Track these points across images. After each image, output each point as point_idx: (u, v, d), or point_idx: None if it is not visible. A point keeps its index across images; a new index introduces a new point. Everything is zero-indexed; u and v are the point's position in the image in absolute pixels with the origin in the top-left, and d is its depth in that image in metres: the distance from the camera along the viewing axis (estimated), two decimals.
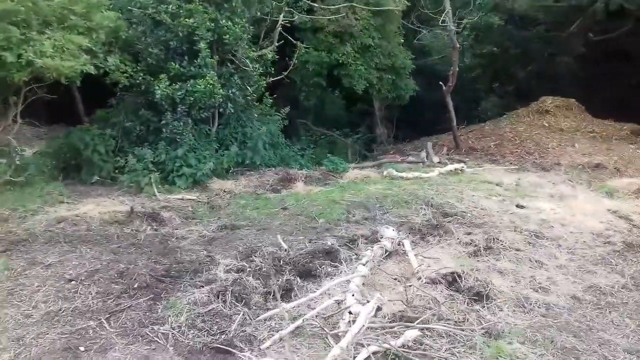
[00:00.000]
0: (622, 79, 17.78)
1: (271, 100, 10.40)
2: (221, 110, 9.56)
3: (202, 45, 8.75)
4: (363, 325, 3.77)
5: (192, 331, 4.17)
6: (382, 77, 14.11)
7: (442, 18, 12.48)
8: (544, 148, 13.91)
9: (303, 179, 9.04)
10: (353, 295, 4.47)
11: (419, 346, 4.06)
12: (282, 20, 11.25)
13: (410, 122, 20.46)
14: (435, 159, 11.97)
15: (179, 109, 8.95)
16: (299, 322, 4.19)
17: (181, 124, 8.93)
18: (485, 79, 22.80)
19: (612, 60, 18.18)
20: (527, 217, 7.55)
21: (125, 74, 8.81)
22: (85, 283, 5.00)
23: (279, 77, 10.65)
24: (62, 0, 7.82)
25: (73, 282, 5.03)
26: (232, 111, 9.50)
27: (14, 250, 5.83)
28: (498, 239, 6.49)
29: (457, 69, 13.87)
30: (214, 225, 6.88)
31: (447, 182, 9.36)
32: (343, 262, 5.60)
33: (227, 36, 9.03)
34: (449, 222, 7.11)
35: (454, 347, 4.13)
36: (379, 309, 4.13)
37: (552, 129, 16.17)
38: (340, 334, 4.02)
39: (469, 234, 6.74)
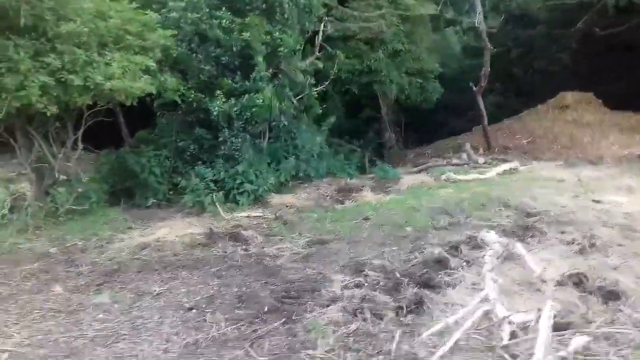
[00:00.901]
0: (626, 72, 17.82)
1: (321, 111, 10.20)
2: (274, 123, 9.36)
3: (259, 59, 8.57)
4: (548, 335, 3.57)
5: (349, 353, 3.93)
6: (411, 82, 14.03)
7: (478, 19, 12.39)
8: (579, 143, 13.88)
9: (368, 188, 8.85)
10: (503, 305, 4.28)
11: (588, 352, 3.88)
12: (316, 30, 11.14)
13: (417, 126, 20.37)
14: (481, 160, 11.85)
15: (235, 125, 8.73)
16: (457, 335, 3.98)
17: (239, 139, 8.71)
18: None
19: (615, 54, 18.20)
20: (609, 211, 7.41)
21: (178, 92, 8.59)
22: (207, 310, 4.76)
23: (322, 87, 10.48)
24: (117, 20, 7.63)
25: (194, 310, 4.79)
26: (286, 124, 9.31)
27: (111, 282, 5.59)
28: (596, 236, 6.34)
29: (489, 70, 13.80)
30: (302, 242, 6.65)
31: (509, 181, 9.24)
32: (460, 269, 5.42)
33: (282, 48, 8.86)
34: (535, 222, 6.95)
35: (620, 350, 3.96)
36: (555, 317, 3.93)
37: (578, 123, 16.13)
38: (510, 346, 3.84)
39: (563, 232, 6.58)
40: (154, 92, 7.75)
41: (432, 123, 20.58)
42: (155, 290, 5.25)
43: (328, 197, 8.90)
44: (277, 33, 8.91)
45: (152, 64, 7.48)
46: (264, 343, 4.17)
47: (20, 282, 5.69)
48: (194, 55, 8.96)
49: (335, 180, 9.99)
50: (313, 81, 10.04)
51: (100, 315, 4.77)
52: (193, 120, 9.22)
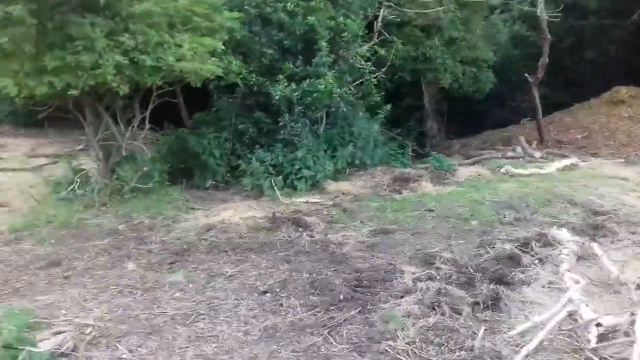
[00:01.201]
0: None
1: (379, 98, 10.10)
2: (332, 109, 9.31)
3: (322, 44, 8.51)
4: None
5: (430, 347, 3.91)
6: (465, 71, 13.74)
7: (539, 8, 12.03)
8: (637, 140, 13.41)
9: (427, 178, 8.76)
10: (587, 306, 4.18)
11: None
12: (376, 15, 10.99)
13: (459, 116, 19.97)
14: (537, 154, 11.58)
15: (295, 109, 8.72)
16: (542, 335, 3.91)
17: (299, 125, 8.70)
18: (533, 70, 22.26)
19: None
20: None
21: (240, 75, 8.60)
22: (282, 295, 4.80)
23: (379, 74, 10.34)
24: (185, 1, 7.65)
25: (268, 294, 4.84)
26: (345, 110, 9.25)
27: (182, 261, 5.69)
28: None
29: (547, 61, 13.42)
30: (365, 230, 6.61)
31: (571, 178, 9.00)
32: (533, 266, 5.32)
33: (345, 33, 8.78)
34: (605, 221, 6.75)
35: None
36: None
37: (634, 119, 15.55)
38: (598, 349, 3.75)
39: (634, 233, 6.39)
40: (221, 74, 7.76)
41: (475, 113, 20.19)
42: (227, 272, 5.32)
43: (385, 186, 8.83)
44: (341, 18, 8.82)
45: (221, 47, 7.50)
46: (342, 331, 4.17)
47: (94, 257, 5.84)
48: (257, 38, 8.95)
49: (389, 169, 9.91)
50: (372, 68, 9.89)
51: (177, 294, 4.87)
52: (252, 103, 9.24)
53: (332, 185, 8.78)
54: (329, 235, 6.46)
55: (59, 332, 3.96)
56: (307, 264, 5.54)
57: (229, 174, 9.03)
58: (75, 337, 3.99)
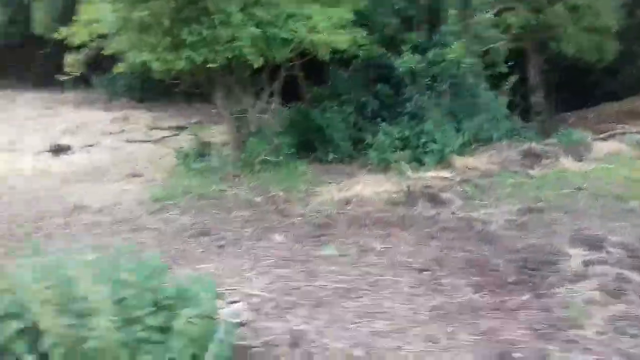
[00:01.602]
0: None
1: (506, 69, 9.54)
2: (457, 80, 8.88)
3: (452, 10, 8.13)
4: None
5: (625, 338, 3.57)
6: (589, 40, 12.67)
7: None
8: None
9: (566, 154, 8.19)
10: None
11: None
12: None
13: (567, 89, 18.62)
14: None
15: (420, 81, 8.41)
16: None
17: (425, 97, 8.39)
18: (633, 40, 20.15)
19: None
20: None
21: (363, 47, 8.38)
22: (440, 274, 4.61)
23: (505, 43, 9.73)
24: None
25: (425, 272, 4.66)
26: (471, 81, 8.81)
27: (327, 235, 5.64)
28: None
29: None
30: (508, 208, 6.24)
31: None
32: None
33: None
34: None
35: None
36: None
37: None
38: None
39: None
40: (346, 47, 7.60)
41: (584, 85, 18.80)
42: (376, 247, 5.20)
43: (514, 162, 8.34)
44: None
45: (351, 18, 7.32)
46: (519, 315, 3.92)
47: (240, 228, 5.93)
48: (379, 8, 8.68)
49: (515, 143, 9.33)
50: (502, 36, 9.32)
51: (332, 268, 4.80)
52: (373, 76, 9.03)
53: (458, 160, 8.41)
54: (471, 213, 6.18)
55: (234, 302, 4.00)
56: (456, 241, 5.31)
57: (351, 148, 8.91)
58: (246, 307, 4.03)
